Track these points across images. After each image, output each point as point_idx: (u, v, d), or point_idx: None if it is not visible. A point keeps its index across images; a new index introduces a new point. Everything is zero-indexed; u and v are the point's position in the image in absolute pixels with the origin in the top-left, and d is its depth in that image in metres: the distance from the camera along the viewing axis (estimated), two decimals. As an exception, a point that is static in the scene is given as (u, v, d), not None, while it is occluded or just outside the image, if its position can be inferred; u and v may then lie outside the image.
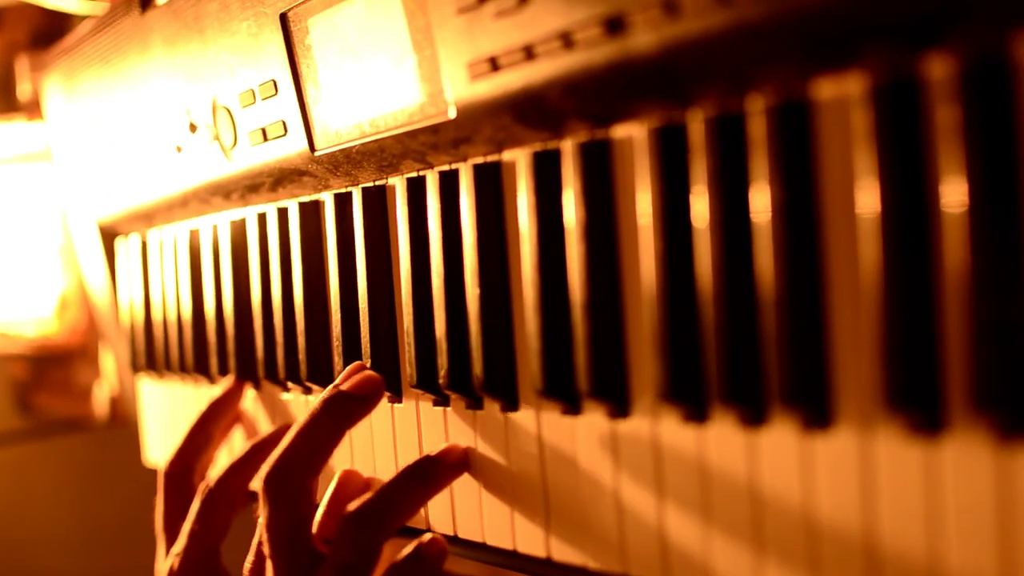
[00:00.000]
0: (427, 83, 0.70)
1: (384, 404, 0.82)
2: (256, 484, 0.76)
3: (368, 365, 0.80)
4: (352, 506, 0.73)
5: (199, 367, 1.05)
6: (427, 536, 0.74)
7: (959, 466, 0.48)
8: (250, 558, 0.79)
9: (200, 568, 0.89)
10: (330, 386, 0.77)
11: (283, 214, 0.91)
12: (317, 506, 0.77)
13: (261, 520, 0.75)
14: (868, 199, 0.49)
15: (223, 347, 1.01)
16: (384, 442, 0.81)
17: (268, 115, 0.86)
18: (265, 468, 0.75)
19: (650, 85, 0.57)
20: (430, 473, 0.74)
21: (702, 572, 0.59)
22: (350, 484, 0.82)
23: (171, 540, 0.93)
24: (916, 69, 0.48)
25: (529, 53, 0.61)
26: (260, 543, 0.77)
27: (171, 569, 0.89)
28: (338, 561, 0.71)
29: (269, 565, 0.74)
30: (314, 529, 0.76)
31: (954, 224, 0.46)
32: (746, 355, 0.55)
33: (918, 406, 0.48)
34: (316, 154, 0.82)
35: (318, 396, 0.88)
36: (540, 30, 0.60)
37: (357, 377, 0.77)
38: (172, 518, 0.94)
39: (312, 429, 0.75)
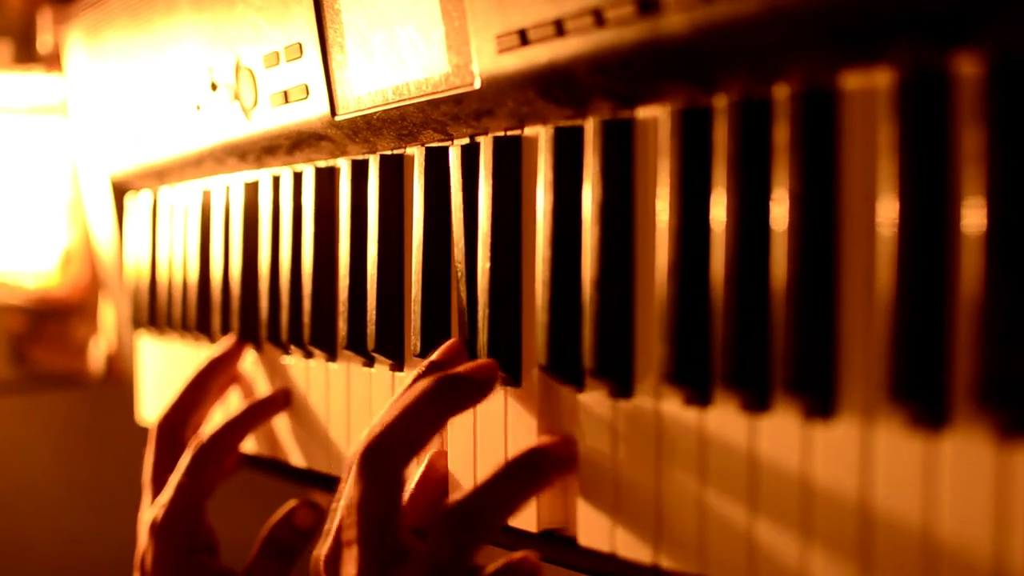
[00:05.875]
0: (454, 53, 0.70)
1: (384, 372, 0.82)
2: (350, 460, 0.67)
3: (373, 333, 0.80)
4: (452, 501, 0.66)
5: (201, 326, 1.06)
6: (519, 554, 0.66)
7: (958, 461, 0.48)
8: (328, 543, 0.69)
9: (184, 521, 0.89)
10: (426, 361, 0.72)
11: (298, 178, 0.91)
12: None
13: (348, 501, 0.67)
14: (888, 192, 0.50)
15: (227, 306, 1.01)
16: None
17: (291, 77, 0.86)
18: (363, 443, 0.67)
19: (678, 67, 0.58)
20: (539, 468, 0.67)
21: (696, 557, 0.59)
22: (437, 469, 0.76)
23: (157, 492, 0.94)
24: (945, 66, 0.48)
25: (560, 28, 0.61)
26: (340, 527, 0.68)
27: (154, 519, 0.89)
28: (432, 560, 0.64)
29: (352, 552, 0.66)
30: None
31: (971, 223, 0.47)
32: (754, 340, 0.55)
33: (922, 399, 0.48)
34: (337, 119, 0.82)
35: (319, 362, 0.88)
36: (572, 5, 0.60)
37: (476, 362, 0.70)
38: (160, 471, 0.95)
39: (420, 409, 0.67)
